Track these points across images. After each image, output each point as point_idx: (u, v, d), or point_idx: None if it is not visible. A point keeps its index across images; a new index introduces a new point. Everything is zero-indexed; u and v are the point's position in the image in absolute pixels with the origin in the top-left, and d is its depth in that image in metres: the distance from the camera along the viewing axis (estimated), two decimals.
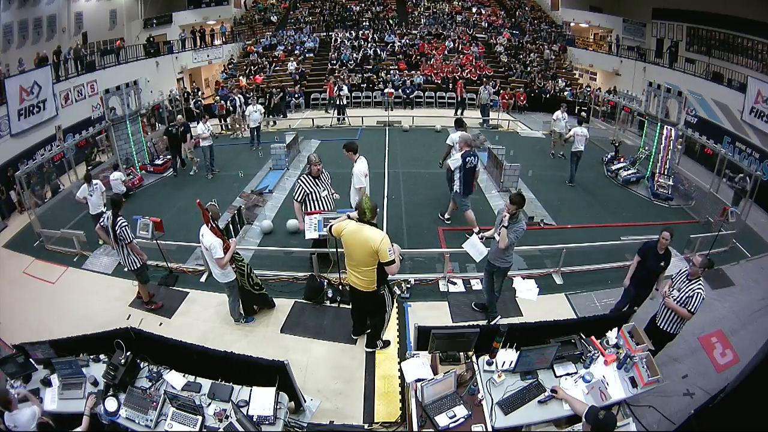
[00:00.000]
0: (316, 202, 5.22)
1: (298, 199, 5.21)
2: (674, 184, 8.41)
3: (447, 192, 7.88)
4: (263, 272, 5.63)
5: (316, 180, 5.24)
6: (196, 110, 13.06)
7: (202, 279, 5.73)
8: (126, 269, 5.06)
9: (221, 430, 2.96)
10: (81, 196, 6.53)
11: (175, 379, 3.29)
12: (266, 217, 7.32)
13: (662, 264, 4.38)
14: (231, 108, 12.69)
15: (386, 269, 3.55)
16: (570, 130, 8.95)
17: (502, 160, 8.38)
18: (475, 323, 4.90)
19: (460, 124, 7.25)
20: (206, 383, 3.28)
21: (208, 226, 4.29)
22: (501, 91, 14.80)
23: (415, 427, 2.99)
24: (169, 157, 9.63)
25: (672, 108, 8.69)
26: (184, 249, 6.14)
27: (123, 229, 4.74)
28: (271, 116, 13.78)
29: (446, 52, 16.76)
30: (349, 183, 5.94)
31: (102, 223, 4.92)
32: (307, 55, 16.91)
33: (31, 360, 3.47)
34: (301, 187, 5.21)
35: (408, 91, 14.81)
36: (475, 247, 4.57)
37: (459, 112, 13.69)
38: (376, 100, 14.96)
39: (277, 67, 16.30)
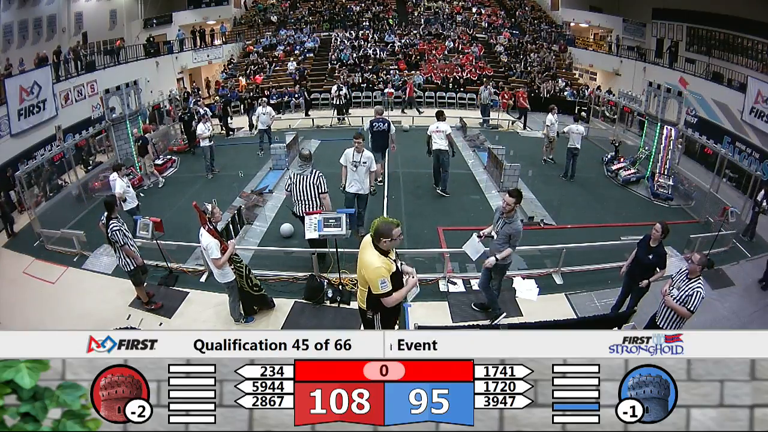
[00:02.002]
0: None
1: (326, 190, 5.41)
2: (674, 184, 8.41)
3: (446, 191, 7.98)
4: (263, 272, 5.63)
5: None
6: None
7: (202, 279, 5.73)
8: (124, 270, 5.06)
9: None
10: (120, 191, 6.22)
11: None
12: (266, 218, 7.33)
13: (650, 257, 4.39)
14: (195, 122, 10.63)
15: (381, 300, 3.13)
16: (566, 128, 9.01)
17: (502, 160, 8.38)
18: (475, 323, 4.91)
19: (440, 115, 7.75)
20: None
21: (204, 227, 4.31)
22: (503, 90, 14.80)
23: None
24: (170, 157, 9.86)
25: (672, 108, 8.70)
26: (184, 249, 6.14)
27: (114, 232, 4.73)
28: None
29: (446, 52, 16.76)
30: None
31: (103, 221, 4.93)
32: (307, 55, 16.91)
33: None
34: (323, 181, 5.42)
35: (407, 90, 14.81)
36: (473, 247, 4.54)
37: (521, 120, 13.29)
38: (376, 100, 14.96)
39: (277, 67, 16.30)
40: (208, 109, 11.25)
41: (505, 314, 4.90)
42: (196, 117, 10.19)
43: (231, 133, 12.36)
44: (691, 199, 8.20)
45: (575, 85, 16.01)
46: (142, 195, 7.95)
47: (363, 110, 14.05)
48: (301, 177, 5.32)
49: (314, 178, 5.31)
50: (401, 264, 3.24)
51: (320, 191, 5.32)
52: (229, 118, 12.78)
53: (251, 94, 14.14)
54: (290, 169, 9.32)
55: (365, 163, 5.87)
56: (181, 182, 9.08)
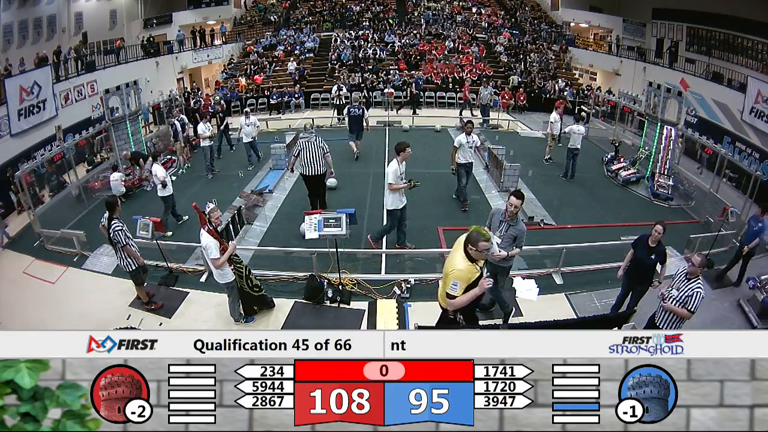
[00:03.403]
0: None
1: None
2: (674, 184, 8.42)
3: (447, 191, 7.95)
4: (263, 272, 5.63)
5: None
6: (195, 109, 13.06)
7: (202, 279, 5.73)
8: (124, 270, 5.06)
9: None
10: (162, 176, 6.70)
11: None
12: (266, 218, 7.33)
13: (652, 257, 4.39)
14: (172, 134, 10.29)
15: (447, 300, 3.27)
16: (567, 128, 9.02)
17: (502, 160, 8.37)
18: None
19: (465, 125, 7.52)
20: None
21: (204, 228, 4.32)
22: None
23: None
24: (170, 157, 9.85)
25: (672, 108, 8.71)
26: (184, 249, 6.14)
27: (116, 232, 4.74)
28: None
29: (446, 52, 16.77)
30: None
31: (103, 223, 4.93)
32: (307, 55, 16.91)
33: None
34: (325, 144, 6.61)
35: (419, 82, 14.70)
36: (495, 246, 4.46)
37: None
38: (376, 100, 14.97)
39: (277, 67, 16.30)
40: (185, 117, 10.61)
41: (513, 308, 4.90)
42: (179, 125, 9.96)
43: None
44: (691, 199, 8.20)
45: (575, 86, 16.02)
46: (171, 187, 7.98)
47: None
48: (308, 143, 6.52)
49: (319, 142, 6.57)
50: (486, 273, 3.30)
51: (324, 152, 6.56)
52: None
53: (220, 108, 11.42)
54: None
55: (403, 173, 5.68)
56: (181, 182, 9.06)
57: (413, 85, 14.66)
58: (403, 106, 14.39)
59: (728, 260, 6.02)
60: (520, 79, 15.59)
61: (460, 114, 13.80)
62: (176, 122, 10.24)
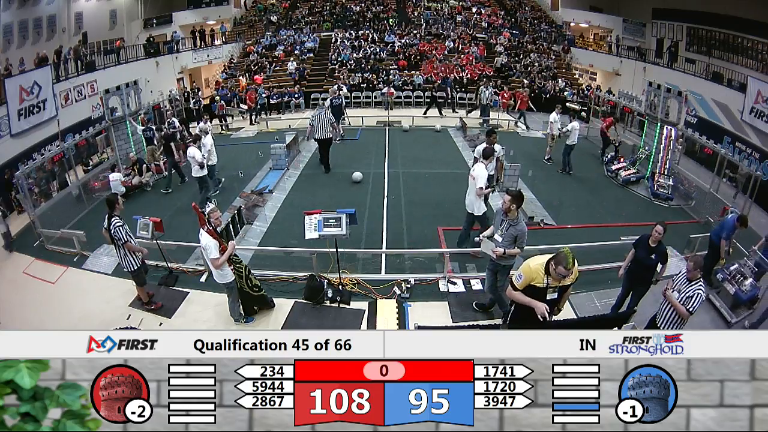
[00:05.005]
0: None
1: None
2: (674, 184, 8.41)
3: (447, 192, 7.93)
4: (263, 272, 5.63)
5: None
6: (195, 109, 13.08)
7: (202, 279, 5.72)
8: (125, 269, 5.06)
9: None
10: (201, 159, 7.32)
11: None
12: (266, 218, 7.33)
13: (653, 257, 4.39)
14: (145, 140, 9.38)
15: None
16: (566, 127, 9.05)
17: (502, 160, 8.36)
18: (475, 323, 4.90)
19: (489, 134, 7.04)
20: None
21: (204, 228, 4.32)
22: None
23: None
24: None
25: (672, 108, 8.71)
26: (184, 249, 6.13)
27: (117, 229, 4.74)
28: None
29: (446, 52, 16.76)
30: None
31: (105, 226, 4.92)
32: (307, 55, 16.91)
33: None
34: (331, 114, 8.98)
35: (447, 82, 14.69)
36: (489, 247, 4.47)
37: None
38: (376, 100, 14.97)
39: (277, 67, 16.30)
40: (176, 120, 9.92)
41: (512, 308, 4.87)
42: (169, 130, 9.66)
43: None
44: (691, 199, 8.20)
45: (575, 86, 16.02)
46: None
47: (363, 110, 14.05)
48: (319, 115, 8.70)
49: (326, 113, 8.79)
50: (550, 291, 3.45)
51: (331, 121, 8.81)
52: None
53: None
54: (290, 169, 9.34)
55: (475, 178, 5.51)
56: (175, 184, 9.03)
57: (447, 86, 14.69)
58: (444, 107, 14.41)
59: (728, 260, 6.00)
60: (503, 61, 15.83)
61: (516, 125, 13.31)
62: (152, 127, 9.76)
